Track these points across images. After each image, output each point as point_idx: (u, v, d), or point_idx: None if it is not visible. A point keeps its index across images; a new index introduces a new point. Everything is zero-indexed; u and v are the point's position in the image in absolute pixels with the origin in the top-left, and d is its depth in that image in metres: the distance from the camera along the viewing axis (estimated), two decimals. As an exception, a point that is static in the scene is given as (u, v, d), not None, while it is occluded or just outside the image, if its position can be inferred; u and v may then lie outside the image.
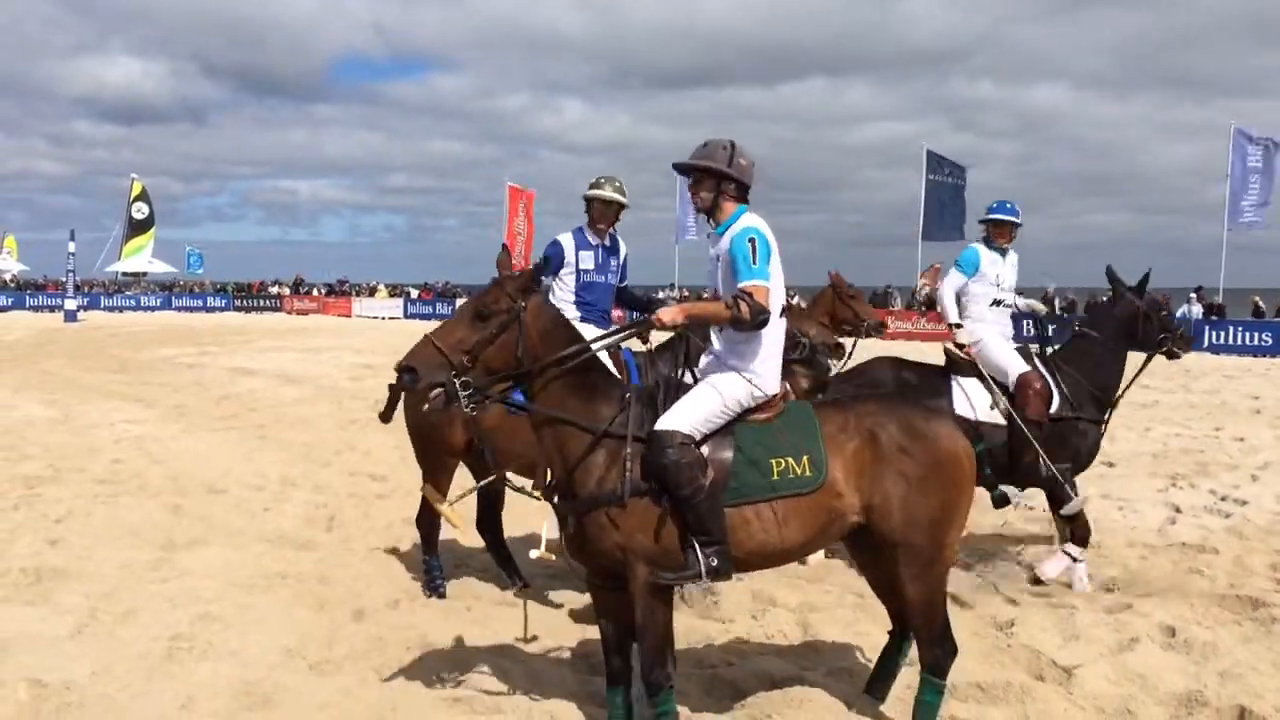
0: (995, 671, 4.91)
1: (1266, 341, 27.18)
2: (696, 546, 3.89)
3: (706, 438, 4.01)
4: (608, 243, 6.31)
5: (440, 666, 4.89)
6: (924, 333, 31.76)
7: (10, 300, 45.13)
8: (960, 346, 6.72)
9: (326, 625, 5.49)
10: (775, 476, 3.98)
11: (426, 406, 3.93)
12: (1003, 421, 6.43)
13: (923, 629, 4.15)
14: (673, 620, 4.13)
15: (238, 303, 48.92)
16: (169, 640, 5.18)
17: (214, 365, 20.34)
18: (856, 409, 4.20)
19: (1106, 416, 6.72)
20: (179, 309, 47.29)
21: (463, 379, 3.87)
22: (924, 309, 33.86)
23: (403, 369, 3.87)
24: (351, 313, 44.77)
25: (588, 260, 6.18)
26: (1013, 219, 6.85)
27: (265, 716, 4.35)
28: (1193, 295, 30.67)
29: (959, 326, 6.82)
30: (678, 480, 3.85)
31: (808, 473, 3.97)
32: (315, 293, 50.28)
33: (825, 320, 8.21)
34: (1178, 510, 8.46)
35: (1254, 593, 6.16)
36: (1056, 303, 32.30)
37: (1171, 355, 6.96)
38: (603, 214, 6.23)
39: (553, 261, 6.12)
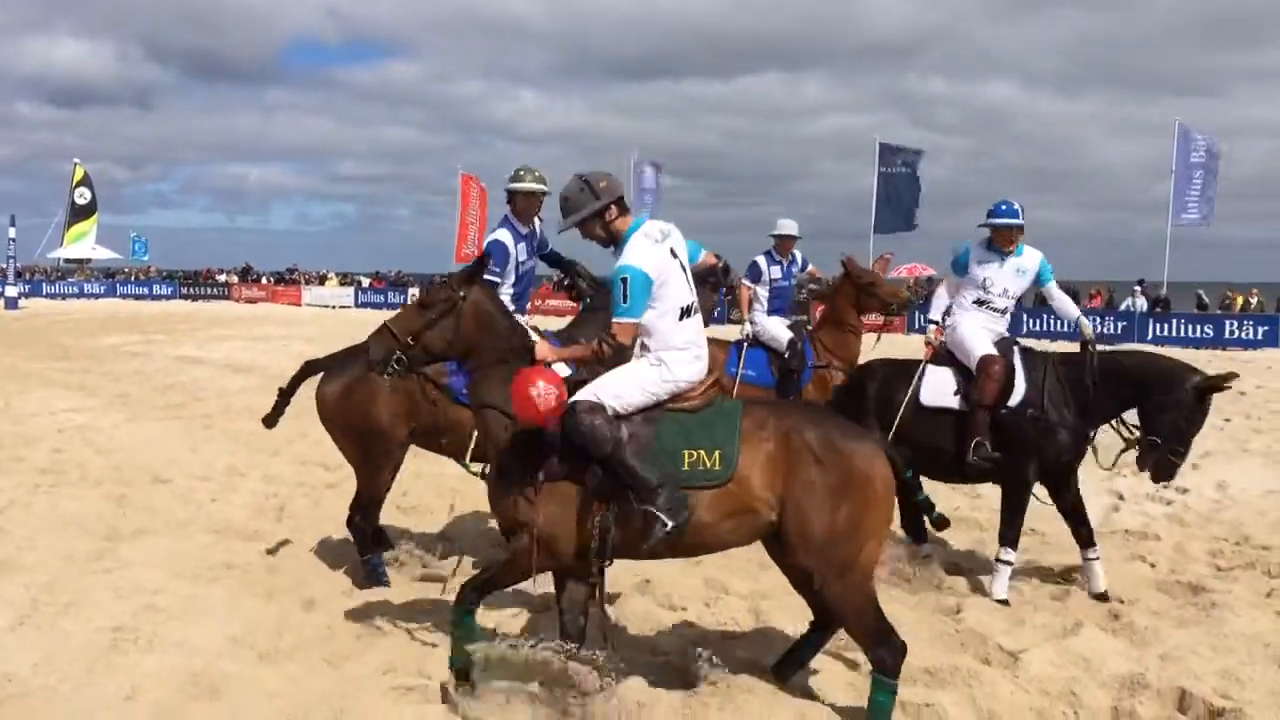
0: (943, 656, 4.98)
1: (1209, 334, 27.80)
2: (650, 507, 4.04)
3: (627, 419, 4.21)
4: (536, 231, 6.37)
5: (392, 655, 4.85)
6: (872, 324, 32.02)
7: (-53, 286, 43.97)
8: (928, 342, 6.71)
9: (275, 615, 5.42)
10: (686, 467, 4.14)
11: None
12: (957, 407, 6.33)
13: (857, 633, 4.23)
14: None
15: (185, 291, 48.11)
16: (113, 631, 5.09)
17: (160, 354, 19.98)
18: (781, 413, 4.35)
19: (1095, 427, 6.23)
20: (124, 296, 46.38)
21: (401, 356, 4.35)
22: (875, 301, 34.14)
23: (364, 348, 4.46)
24: (301, 301, 44.19)
25: (522, 252, 6.24)
26: (1009, 221, 6.41)
27: (212, 706, 4.29)
28: (1136, 288, 31.24)
29: (933, 323, 6.83)
30: (595, 441, 4.07)
31: (716, 467, 4.12)
32: (264, 281, 49.57)
33: (852, 319, 8.44)
34: (1121, 498, 8.62)
35: (1194, 578, 6.31)
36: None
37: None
38: (527, 205, 6.25)
39: (496, 258, 6.07)
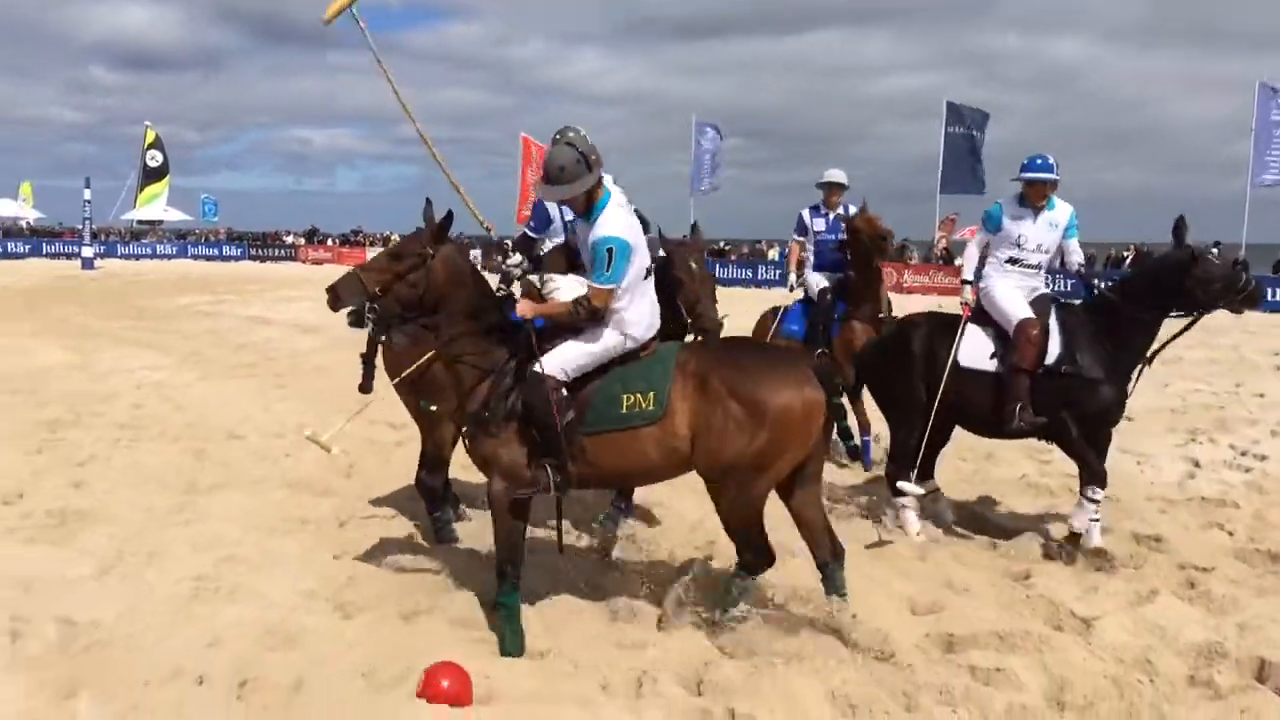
0: (1014, 621, 4.93)
1: (1288, 298, 26.95)
2: (547, 467, 4.56)
3: (581, 378, 4.63)
4: None
5: (461, 609, 4.93)
6: (941, 287, 31.57)
7: (27, 247, 45.21)
8: (964, 304, 6.63)
9: (347, 568, 5.53)
10: (624, 410, 4.57)
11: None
12: (994, 369, 6.27)
13: (739, 539, 4.74)
14: (524, 531, 4.76)
15: (253, 252, 48.92)
16: (194, 582, 5.24)
17: (230, 314, 20.39)
18: (706, 352, 4.81)
19: (1136, 376, 6.25)
20: (195, 257, 47.31)
21: (372, 307, 4.56)
22: (941, 262, 33.64)
23: (328, 290, 4.57)
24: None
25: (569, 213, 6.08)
26: (1043, 176, 6.39)
27: (289, 656, 4.39)
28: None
29: (968, 283, 6.75)
30: (542, 416, 4.51)
31: (650, 406, 4.56)
32: (330, 242, 50.21)
33: (865, 269, 8.18)
34: (1197, 465, 8.43)
35: (1273, 547, 6.16)
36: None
37: (1235, 309, 6.42)
38: None
39: (536, 219, 6.06)
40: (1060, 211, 6.56)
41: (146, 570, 5.45)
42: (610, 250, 4.51)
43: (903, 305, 9.29)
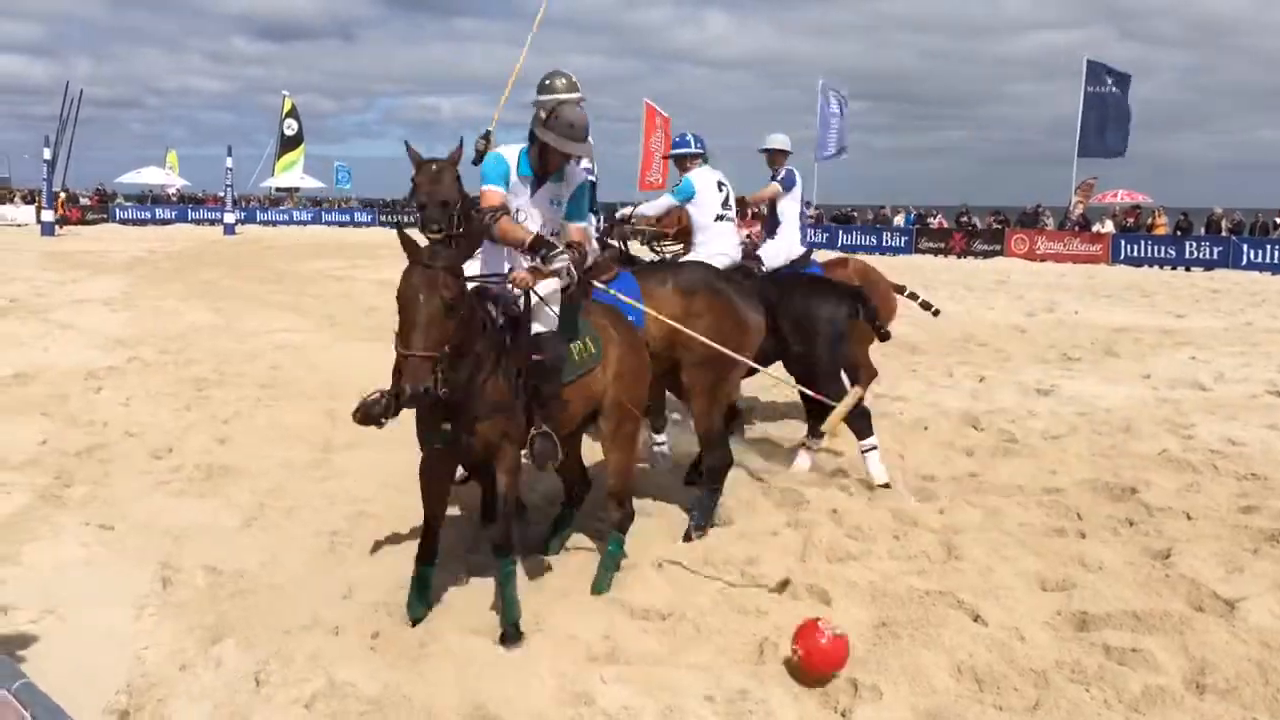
0: (1152, 600, 4.74)
1: None
2: (545, 432, 4.55)
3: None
4: None
5: (587, 565, 5.03)
6: (1075, 254, 30.38)
7: (174, 214, 47.38)
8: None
9: (474, 527, 5.68)
10: (578, 358, 4.78)
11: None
12: None
13: (613, 492, 5.07)
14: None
15: (383, 219, 50.27)
16: (330, 535, 5.47)
17: (363, 278, 21.02)
18: (603, 305, 5.21)
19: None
20: (328, 223, 48.88)
21: None
22: (1076, 228, 32.34)
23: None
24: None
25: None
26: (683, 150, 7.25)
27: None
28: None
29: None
30: (555, 378, 4.61)
31: (592, 350, 4.85)
32: (456, 209, 51.17)
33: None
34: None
35: None
36: (1223, 224, 30.41)
37: None
38: None
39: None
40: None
41: (286, 523, 5.71)
42: (592, 187, 4.87)
43: (1037, 274, 8.94)
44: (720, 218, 7.08)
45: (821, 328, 6.67)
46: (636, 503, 5.40)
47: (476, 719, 3.67)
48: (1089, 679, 3.98)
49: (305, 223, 48.99)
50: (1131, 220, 32.62)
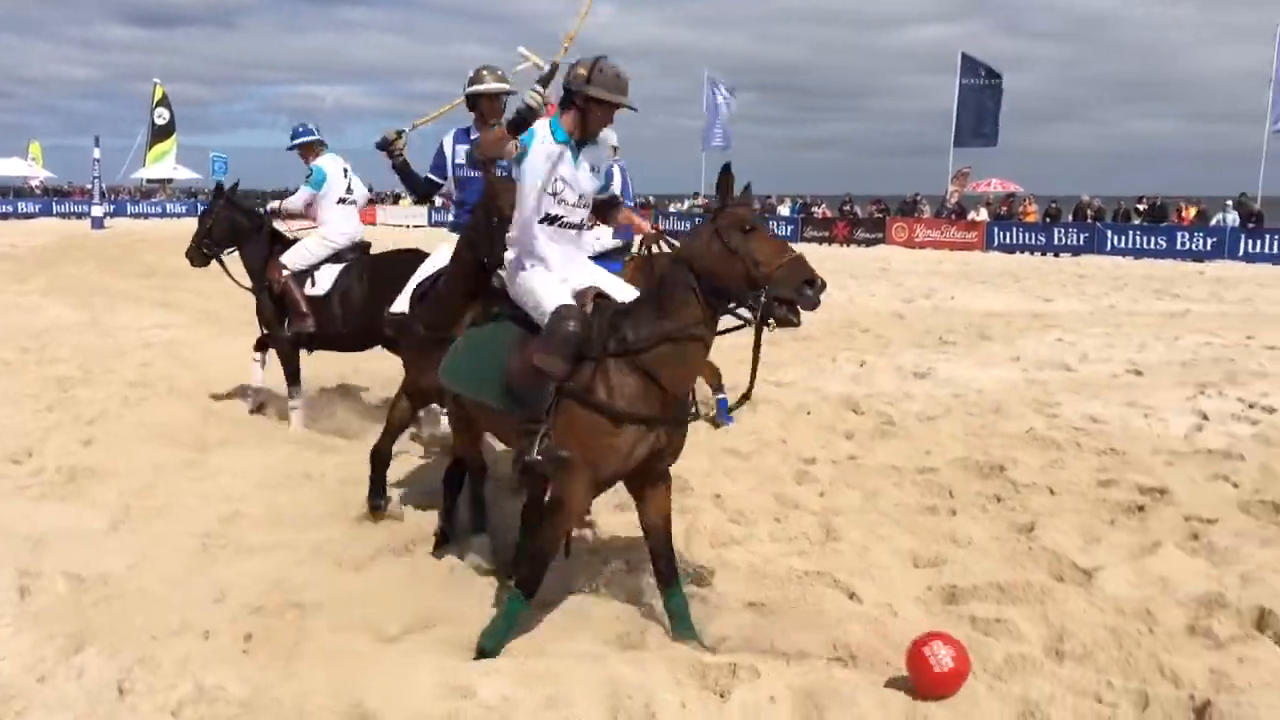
0: (1016, 573, 4.95)
1: (1304, 250, 26.69)
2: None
3: None
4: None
5: (466, 559, 4.98)
6: (951, 241, 31.38)
7: (37, 207, 45.19)
8: None
9: (353, 525, 5.57)
10: None
11: None
12: None
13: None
14: None
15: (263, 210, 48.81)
16: (202, 536, 5.30)
17: (243, 272, 20.33)
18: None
19: None
20: (205, 216, 47.21)
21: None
22: (953, 217, 33.38)
23: None
24: (376, 221, 44.65)
25: (462, 155, 5.84)
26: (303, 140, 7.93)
27: (294, 610, 4.44)
28: (1229, 203, 30.03)
29: None
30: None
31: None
32: (340, 201, 50.07)
33: None
34: (1205, 418, 8.39)
35: (1278, 498, 6.14)
36: (1088, 212, 31.74)
37: None
38: (491, 108, 5.81)
39: (435, 161, 5.99)
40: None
41: (155, 525, 5.50)
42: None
43: (916, 261, 9.21)
44: (343, 200, 7.85)
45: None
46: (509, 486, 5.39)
47: (353, 717, 3.60)
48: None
49: (180, 215, 47.26)
50: (1005, 208, 33.82)
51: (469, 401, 4.60)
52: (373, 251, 8.09)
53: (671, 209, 43.05)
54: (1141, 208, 31.15)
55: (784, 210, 37.63)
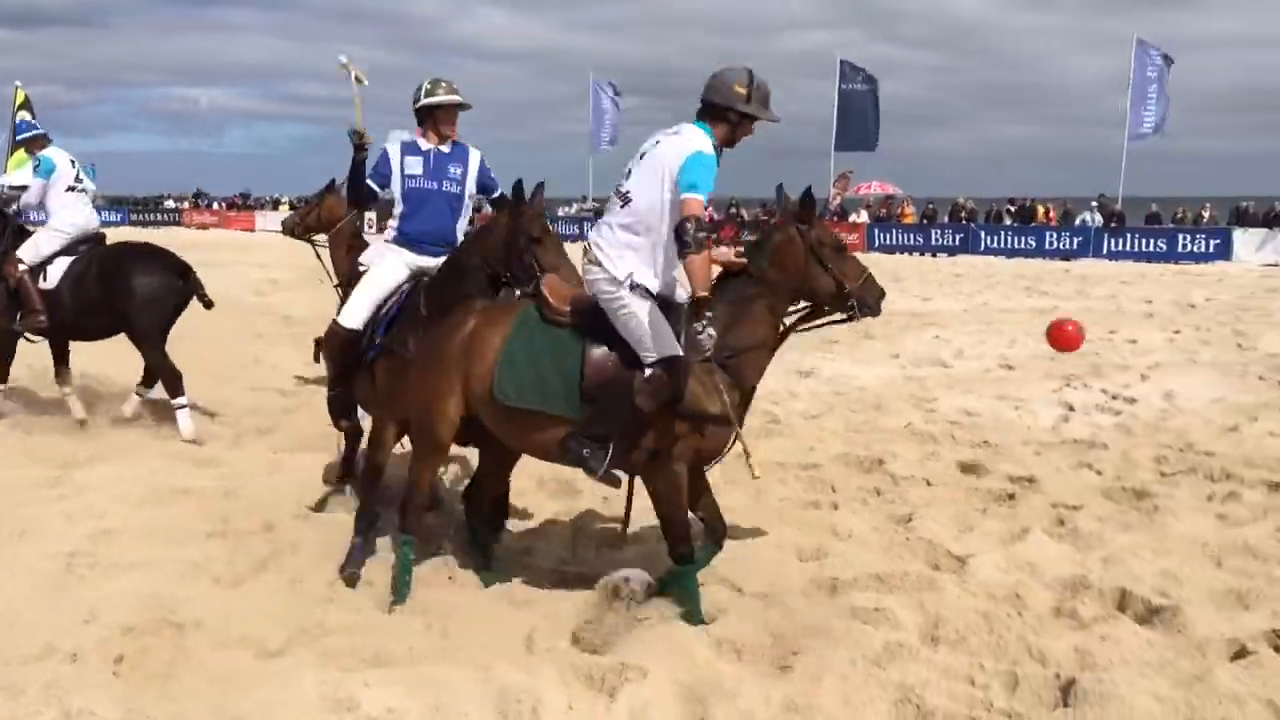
0: (894, 563, 5.10)
1: (1162, 248, 28.11)
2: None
3: None
4: (446, 149, 5.57)
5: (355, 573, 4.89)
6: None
7: (-113, 216, 42.63)
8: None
9: (231, 539, 5.41)
10: None
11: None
12: None
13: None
14: None
15: (134, 217, 46.98)
16: (68, 556, 5.06)
17: None
18: None
19: None
20: (72, 224, 45.16)
21: None
22: (835, 218, 34.15)
23: None
24: (255, 227, 43.42)
25: (413, 166, 5.52)
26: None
27: (168, 629, 4.28)
28: (1094, 204, 31.43)
29: None
30: None
31: None
32: (216, 206, 48.56)
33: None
34: (1071, 409, 8.78)
35: (1138, 484, 6.48)
36: (962, 214, 32.84)
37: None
38: (448, 121, 5.60)
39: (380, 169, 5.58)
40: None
41: (19, 546, 5.24)
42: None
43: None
44: (71, 189, 8.04)
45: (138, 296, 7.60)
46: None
47: (233, 735, 3.51)
48: (837, 639, 4.23)
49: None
50: (884, 210, 34.74)
51: (516, 417, 4.43)
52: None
53: (560, 212, 43.00)
54: (1012, 209, 32.38)
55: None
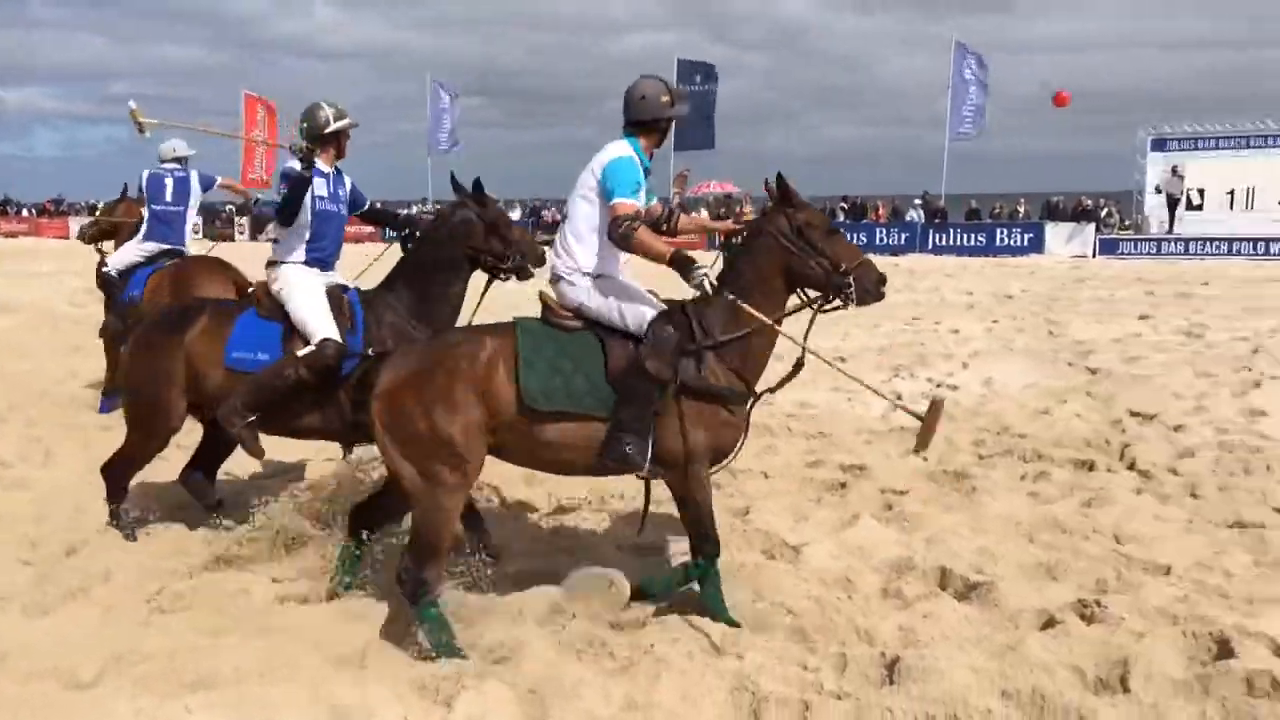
0: (732, 554, 5.20)
1: (981, 242, 29.66)
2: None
3: None
4: (335, 171, 5.63)
5: (162, 595, 4.67)
6: (675, 243, 32.48)
7: None
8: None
9: (38, 565, 5.08)
10: None
11: None
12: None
13: None
14: None
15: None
16: None
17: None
18: None
19: None
20: None
21: None
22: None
23: None
24: (69, 234, 40.97)
25: (321, 187, 5.49)
26: None
27: (-30, 664, 4.01)
28: (917, 201, 32.89)
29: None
30: None
31: None
32: (26, 213, 45.60)
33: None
34: (899, 398, 9.14)
35: (959, 467, 6.81)
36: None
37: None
38: (346, 140, 5.62)
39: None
40: None
41: None
42: None
43: (644, 263, 9.46)
44: None
45: None
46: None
47: (41, 773, 3.30)
48: (678, 633, 4.29)
49: None
50: (723, 209, 35.45)
51: (549, 426, 4.31)
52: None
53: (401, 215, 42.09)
54: (845, 206, 33.58)
55: (515, 215, 37.75)
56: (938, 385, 9.62)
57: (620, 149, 4.49)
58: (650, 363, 4.27)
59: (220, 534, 5.33)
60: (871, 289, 4.45)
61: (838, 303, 4.52)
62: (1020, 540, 5.43)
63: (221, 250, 9.61)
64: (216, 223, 37.37)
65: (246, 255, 10.74)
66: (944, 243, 29.88)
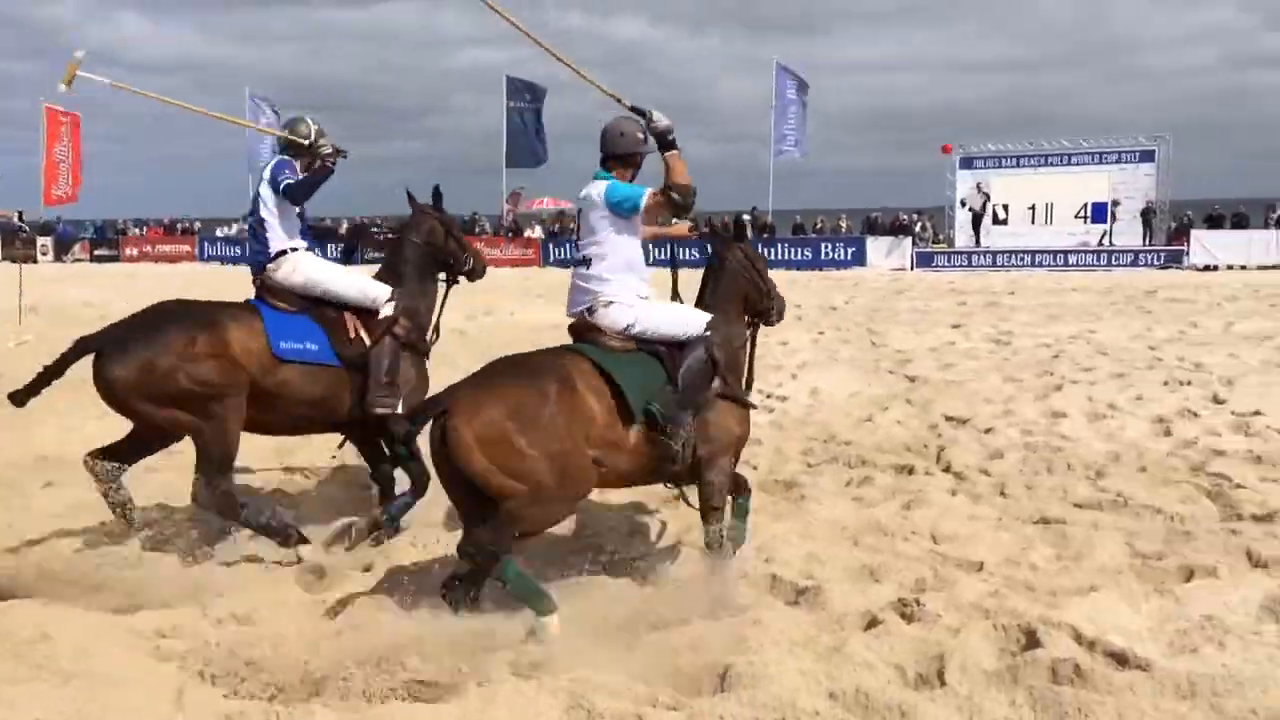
0: (563, 571, 5.17)
1: (808, 256, 30.73)
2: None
3: None
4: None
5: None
6: (511, 259, 32.43)
7: None
8: None
9: None
10: None
11: None
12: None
13: None
14: None
15: None
16: None
17: None
18: None
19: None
20: None
21: None
22: (510, 234, 34.51)
23: None
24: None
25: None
26: None
27: None
28: (746, 217, 33.79)
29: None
30: None
31: None
32: None
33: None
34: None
35: (788, 476, 7.00)
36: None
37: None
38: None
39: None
40: None
41: None
42: None
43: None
44: None
45: None
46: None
47: None
48: (505, 653, 4.23)
49: None
50: (557, 225, 35.54)
51: (636, 434, 4.67)
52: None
53: (219, 233, 40.57)
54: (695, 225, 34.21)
55: (343, 229, 36.82)
56: (768, 396, 9.87)
57: (602, 182, 4.94)
58: (715, 350, 4.85)
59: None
60: (781, 312, 5.43)
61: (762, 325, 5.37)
62: (846, 544, 5.62)
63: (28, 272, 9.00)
64: (17, 243, 34.93)
65: (49, 277, 10.12)
66: (772, 257, 30.74)
